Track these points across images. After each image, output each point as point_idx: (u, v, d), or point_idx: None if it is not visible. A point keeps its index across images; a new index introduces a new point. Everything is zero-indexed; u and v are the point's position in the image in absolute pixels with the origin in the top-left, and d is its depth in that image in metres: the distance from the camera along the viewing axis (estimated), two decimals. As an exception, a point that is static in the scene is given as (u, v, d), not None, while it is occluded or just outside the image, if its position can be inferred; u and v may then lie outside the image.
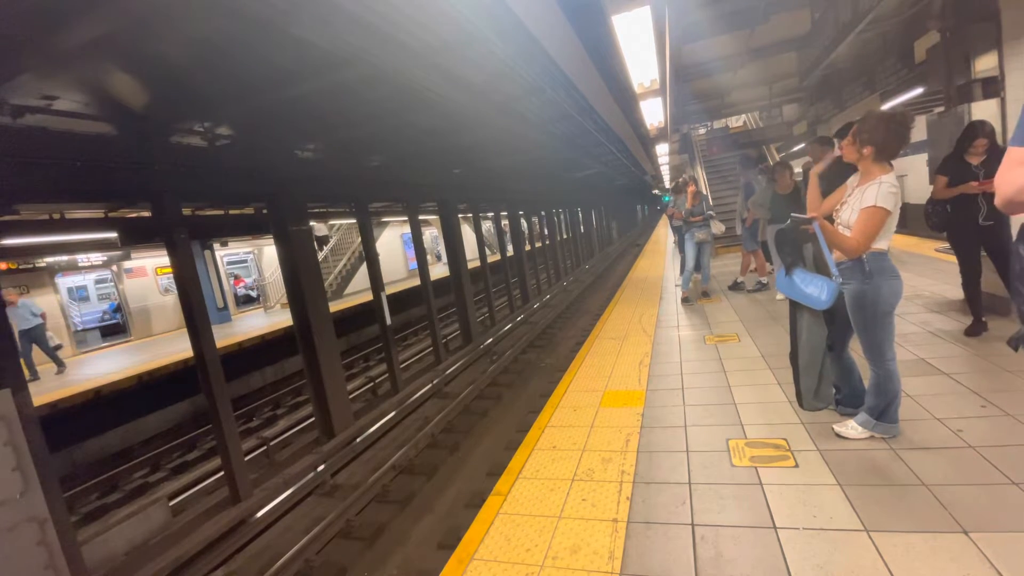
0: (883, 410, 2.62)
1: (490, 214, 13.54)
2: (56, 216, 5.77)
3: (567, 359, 7.50)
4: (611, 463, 2.91)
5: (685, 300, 6.84)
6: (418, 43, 3.24)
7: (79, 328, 12.20)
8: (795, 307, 2.85)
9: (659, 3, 4.44)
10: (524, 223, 14.69)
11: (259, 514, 4.52)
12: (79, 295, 14.12)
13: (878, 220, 2.38)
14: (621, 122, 9.07)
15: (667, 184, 32.67)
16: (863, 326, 2.58)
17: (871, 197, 2.38)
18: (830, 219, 2.67)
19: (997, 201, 1.32)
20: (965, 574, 1.75)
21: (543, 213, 16.96)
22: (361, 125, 5.04)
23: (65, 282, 11.29)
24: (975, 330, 3.94)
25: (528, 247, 14.72)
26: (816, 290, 2.60)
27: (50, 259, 10.09)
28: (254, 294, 16.30)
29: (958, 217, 3.89)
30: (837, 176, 2.91)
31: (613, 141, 10.06)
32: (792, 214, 2.71)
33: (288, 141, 5.35)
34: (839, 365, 2.94)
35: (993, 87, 4.21)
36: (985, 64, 4.31)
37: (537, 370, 8.34)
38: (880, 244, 2.45)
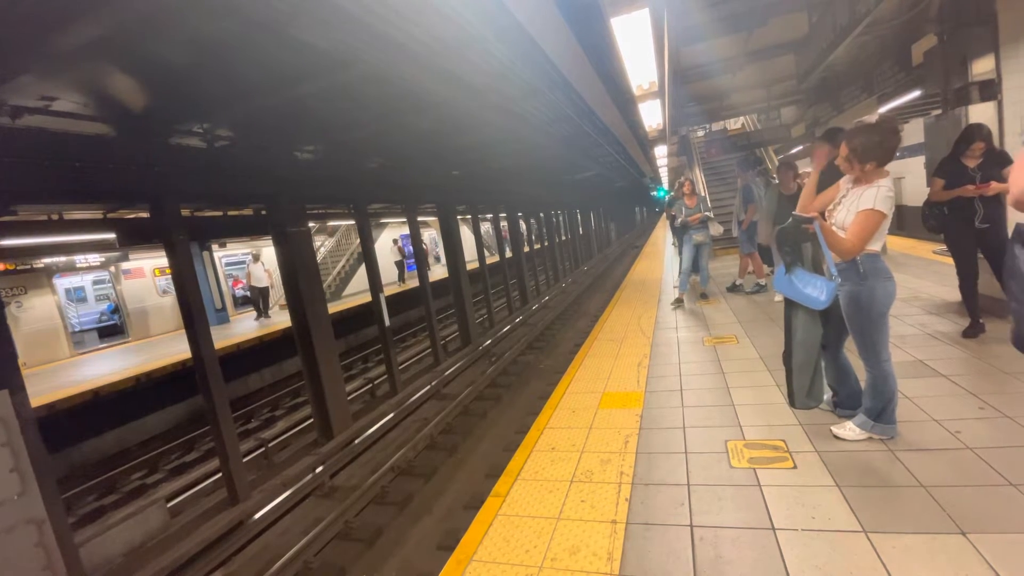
0: (880, 411, 2.63)
1: (489, 216, 13.54)
2: (54, 217, 5.76)
3: (566, 361, 7.50)
4: (610, 464, 2.91)
5: (679, 302, 6.83)
6: (417, 44, 3.24)
7: (77, 329, 12.18)
8: (790, 306, 2.86)
9: (658, 5, 4.45)
10: (523, 225, 14.69)
11: (257, 516, 4.51)
12: (77, 296, 14.09)
13: (874, 223, 2.40)
14: (620, 124, 9.08)
15: (664, 185, 32.69)
16: (858, 328, 2.59)
17: (869, 200, 2.40)
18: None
19: (1009, 199, 1.36)
20: (963, 575, 1.76)
21: (541, 215, 16.97)
22: (360, 126, 5.03)
23: (63, 283, 11.27)
24: (972, 332, 3.95)
25: (527, 249, 14.73)
26: (815, 290, 2.60)
27: (48, 260, 10.08)
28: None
29: (955, 219, 3.91)
30: (828, 176, 2.93)
31: (611, 143, 10.06)
32: (793, 213, 2.71)
33: (287, 142, 5.35)
34: (835, 367, 2.95)
35: (990, 90, 4.23)
36: (982, 67, 4.32)
37: (536, 372, 8.35)
38: (873, 246, 2.47)
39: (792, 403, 2.97)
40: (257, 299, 12.23)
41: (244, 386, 9.10)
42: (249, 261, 12.18)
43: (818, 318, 2.77)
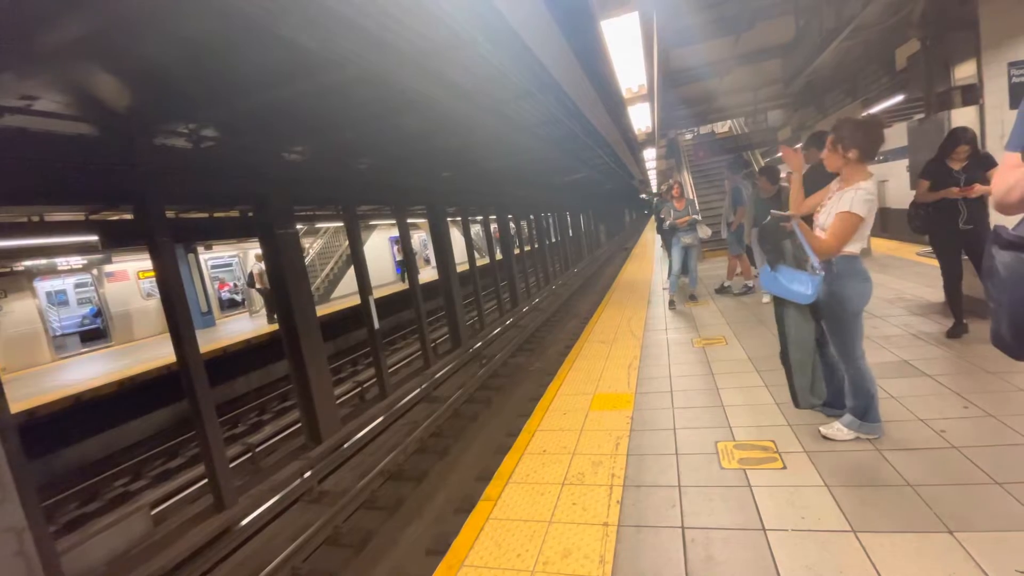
0: (865, 410, 2.66)
1: (479, 218, 13.52)
2: (35, 219, 5.65)
3: (556, 362, 7.49)
4: (601, 466, 2.91)
5: (671, 304, 6.88)
6: (408, 46, 3.23)
7: (58, 333, 11.93)
8: (780, 305, 2.87)
9: (647, 9, 4.47)
10: (513, 227, 14.69)
11: (244, 522, 4.44)
12: (58, 299, 13.83)
13: (850, 225, 2.45)
14: (609, 127, 9.12)
15: (654, 189, 32.94)
16: (832, 326, 2.66)
17: (847, 202, 2.45)
18: (810, 218, 2.73)
19: (992, 201, 1.40)
20: (950, 573, 1.77)
21: (532, 217, 16.98)
22: (349, 127, 5.00)
23: (44, 286, 11.04)
24: (956, 332, 4.01)
25: (517, 251, 14.73)
26: (801, 285, 2.63)
27: (29, 263, 9.87)
28: (239, 298, 16.09)
29: (939, 220, 3.97)
30: (818, 180, 2.96)
31: (601, 145, 10.11)
32: (772, 211, 2.74)
33: (275, 143, 5.29)
34: (823, 364, 2.98)
35: (972, 94, 4.31)
36: (964, 72, 4.40)
37: (527, 374, 8.33)
38: (852, 248, 2.52)
39: (796, 403, 2.94)
40: (268, 300, 11.75)
41: (231, 390, 8.99)
42: (255, 260, 11.71)
43: (808, 314, 2.79)
